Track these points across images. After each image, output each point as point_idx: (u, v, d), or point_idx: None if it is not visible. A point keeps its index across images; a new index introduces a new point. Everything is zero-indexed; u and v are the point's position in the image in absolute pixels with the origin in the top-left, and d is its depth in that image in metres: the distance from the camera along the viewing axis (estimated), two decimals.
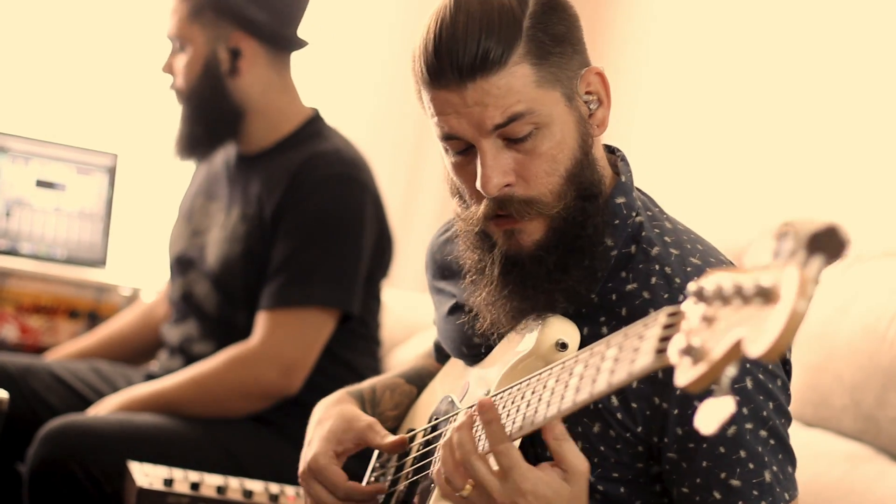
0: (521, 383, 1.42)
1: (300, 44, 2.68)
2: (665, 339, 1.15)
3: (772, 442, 1.44)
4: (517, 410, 1.40)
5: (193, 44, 2.63)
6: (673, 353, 1.10)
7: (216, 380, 2.54)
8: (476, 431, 1.43)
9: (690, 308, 1.11)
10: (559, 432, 1.36)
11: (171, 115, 2.72)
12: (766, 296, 1.01)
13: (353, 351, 2.66)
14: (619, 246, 1.52)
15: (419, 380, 1.84)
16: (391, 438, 1.66)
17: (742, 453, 1.43)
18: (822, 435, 2.20)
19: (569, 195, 1.49)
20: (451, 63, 1.46)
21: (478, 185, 1.48)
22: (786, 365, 1.51)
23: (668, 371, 1.40)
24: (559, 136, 1.48)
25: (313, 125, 2.69)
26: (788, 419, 1.48)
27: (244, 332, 2.61)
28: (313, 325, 2.56)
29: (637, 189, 1.59)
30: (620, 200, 1.54)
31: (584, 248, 1.50)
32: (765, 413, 1.44)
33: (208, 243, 2.69)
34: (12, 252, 3.22)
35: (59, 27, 3.60)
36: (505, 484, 1.37)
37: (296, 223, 2.57)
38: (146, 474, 2.17)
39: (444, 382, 1.74)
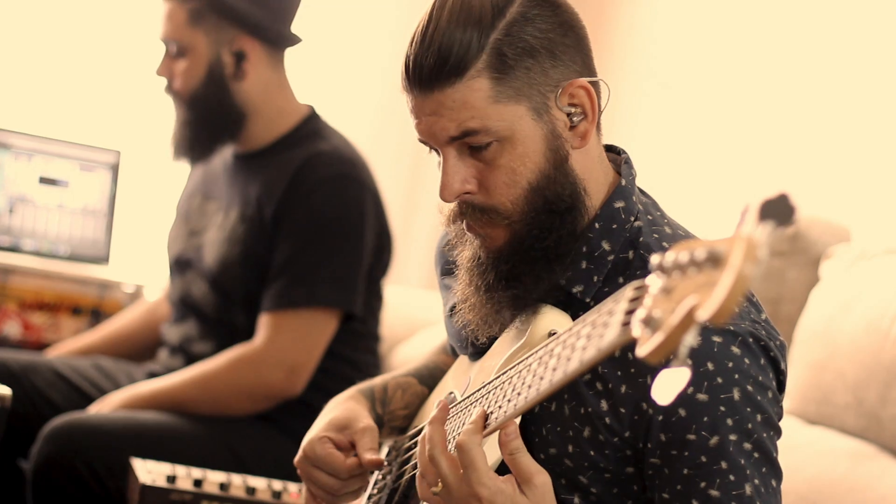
0: (510, 369, 1.43)
1: (296, 40, 2.66)
2: (631, 313, 1.16)
3: (756, 455, 1.43)
4: (504, 395, 1.41)
5: (195, 49, 2.60)
6: (635, 326, 1.12)
7: (220, 380, 2.54)
8: (447, 426, 1.45)
9: (654, 281, 1.12)
10: (514, 446, 1.39)
11: (173, 113, 2.71)
12: (716, 261, 1.04)
13: (353, 349, 2.66)
14: (616, 251, 1.52)
15: (431, 379, 1.84)
16: (372, 456, 1.67)
17: (723, 464, 1.41)
18: (824, 433, 2.20)
19: (530, 207, 1.49)
20: (415, 72, 1.48)
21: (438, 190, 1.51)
22: (780, 375, 1.49)
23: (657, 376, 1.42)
24: (521, 150, 1.48)
25: (311, 123, 2.69)
26: (777, 432, 1.47)
27: (243, 332, 2.61)
28: (317, 326, 2.56)
29: (640, 191, 1.59)
30: (619, 205, 1.54)
31: (538, 260, 1.50)
32: (750, 425, 1.42)
33: (206, 244, 2.68)
34: (15, 249, 3.22)
35: (62, 24, 3.60)
36: (461, 483, 1.39)
37: (297, 224, 2.56)
38: (149, 471, 2.18)
39: (453, 379, 1.75)
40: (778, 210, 1.04)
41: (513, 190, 1.49)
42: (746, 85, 3.22)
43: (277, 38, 2.64)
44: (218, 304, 2.64)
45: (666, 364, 1.07)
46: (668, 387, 1.07)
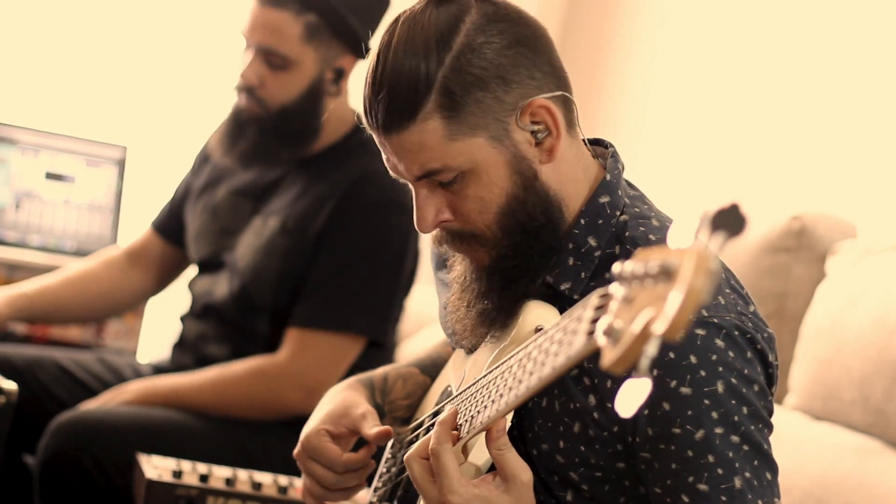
0: (495, 368, 1.43)
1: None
2: (595, 321, 1.17)
3: (745, 448, 1.42)
4: (488, 396, 1.41)
5: (302, 64, 2.52)
6: (599, 335, 1.12)
7: (237, 389, 2.52)
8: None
9: (616, 289, 1.12)
10: (502, 443, 1.39)
11: (179, 108, 2.68)
12: (669, 274, 1.04)
13: (371, 362, 2.63)
14: (602, 246, 1.52)
15: (434, 370, 1.84)
16: (378, 429, 1.66)
17: (710, 458, 1.41)
18: (830, 428, 2.20)
19: (504, 232, 1.50)
20: (371, 116, 1.50)
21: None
22: (769, 368, 1.48)
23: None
24: (485, 179, 1.48)
25: (361, 132, 2.65)
26: (767, 426, 1.46)
27: (262, 340, 2.59)
28: (343, 350, 2.54)
29: (628, 184, 1.59)
30: (604, 200, 1.53)
31: (521, 276, 1.51)
32: (737, 418, 1.41)
33: (239, 247, 2.63)
34: (22, 244, 3.22)
35: (68, 19, 3.61)
36: (432, 489, 1.41)
37: (340, 245, 2.53)
38: (155, 466, 2.18)
39: (452, 370, 1.75)
40: (729, 221, 1.05)
41: (485, 216, 1.49)
42: (752, 82, 3.22)
43: (364, 51, 2.59)
44: (242, 309, 2.60)
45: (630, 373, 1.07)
46: (630, 397, 1.06)
